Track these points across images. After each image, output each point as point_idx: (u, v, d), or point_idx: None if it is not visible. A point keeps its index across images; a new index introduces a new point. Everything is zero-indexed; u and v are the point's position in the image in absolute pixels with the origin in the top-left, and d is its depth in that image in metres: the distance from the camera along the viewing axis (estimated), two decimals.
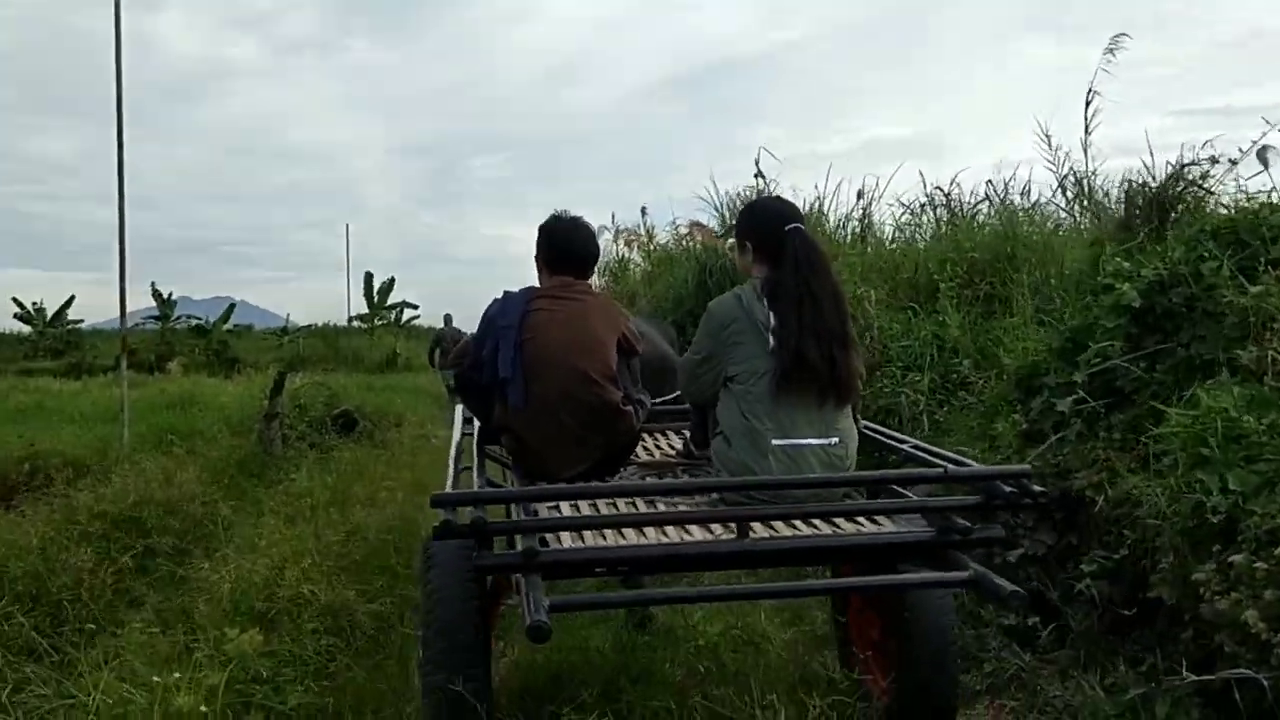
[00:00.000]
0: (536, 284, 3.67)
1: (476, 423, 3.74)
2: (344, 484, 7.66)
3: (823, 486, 2.93)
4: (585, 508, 2.95)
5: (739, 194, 8.84)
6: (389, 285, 35.25)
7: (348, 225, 31.64)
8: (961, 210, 7.51)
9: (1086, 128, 7.01)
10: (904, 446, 3.33)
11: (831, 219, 9.28)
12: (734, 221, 3.76)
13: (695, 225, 9.19)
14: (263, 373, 24.18)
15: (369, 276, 34.86)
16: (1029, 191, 7.07)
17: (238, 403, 12.54)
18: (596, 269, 13.80)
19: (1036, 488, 2.71)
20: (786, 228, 3.16)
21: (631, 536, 2.76)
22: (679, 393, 4.12)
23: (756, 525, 2.80)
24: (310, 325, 37.38)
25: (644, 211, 13.08)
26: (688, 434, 3.86)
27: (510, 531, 2.70)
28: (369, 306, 34.90)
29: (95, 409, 13.40)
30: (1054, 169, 7.28)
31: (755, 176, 8.56)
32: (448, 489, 2.94)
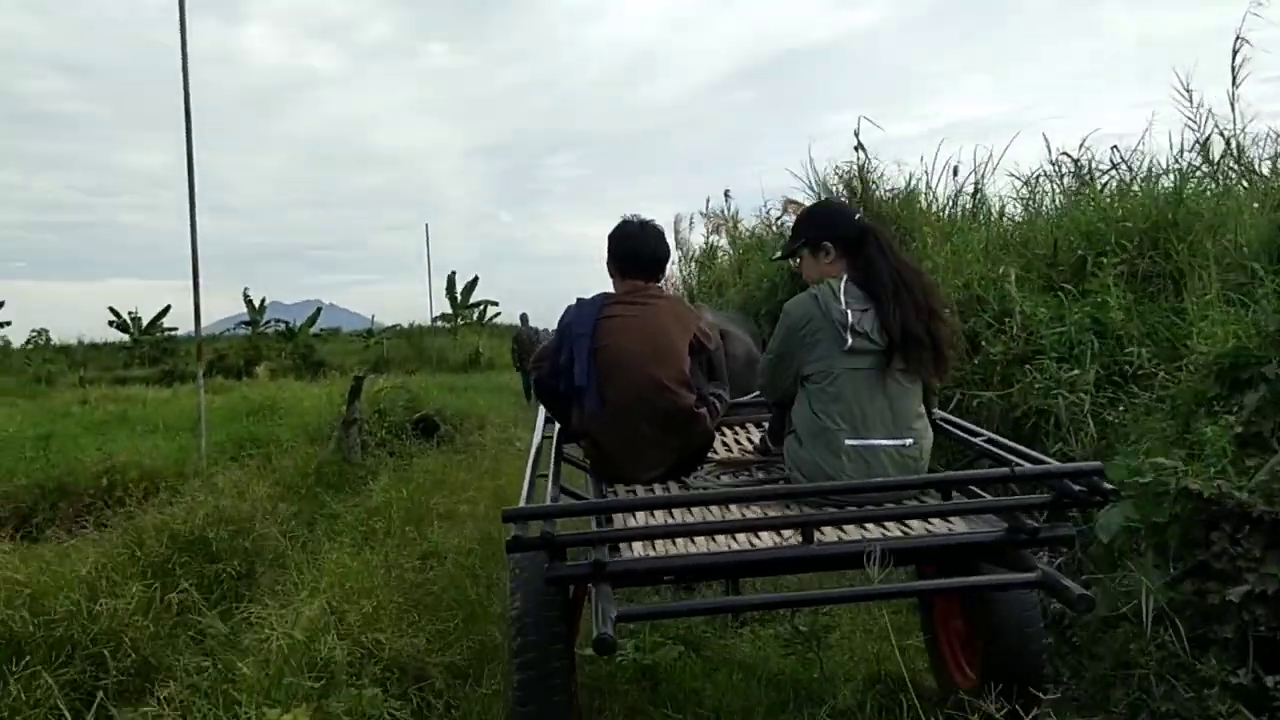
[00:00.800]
0: (610, 289, 3.71)
1: (557, 424, 3.81)
2: (422, 496, 7.15)
3: (892, 490, 2.99)
4: (660, 514, 3.01)
5: (837, 168, 8.06)
6: (472, 284, 35.13)
7: (427, 225, 31.59)
8: (1091, 176, 6.62)
9: (1234, 78, 6.11)
10: (977, 441, 3.32)
11: (941, 195, 8.40)
12: (790, 236, 3.54)
13: (790, 204, 8.46)
14: (347, 375, 24.41)
15: (452, 276, 34.83)
16: (1180, 152, 6.15)
17: (320, 408, 12.22)
18: (686, 258, 13.41)
19: (1108, 485, 2.67)
20: (858, 218, 3.35)
21: (701, 544, 2.78)
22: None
23: (826, 528, 2.84)
24: (395, 326, 37.69)
25: (727, 195, 12.39)
26: (766, 426, 3.89)
27: (579, 544, 2.66)
28: (452, 306, 34.83)
29: (180, 418, 13.26)
30: (1195, 127, 6.41)
31: (855, 149, 7.78)
32: (523, 499, 3.05)
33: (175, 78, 9.35)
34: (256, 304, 34.03)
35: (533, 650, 2.77)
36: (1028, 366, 4.56)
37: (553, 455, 3.55)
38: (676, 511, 3.05)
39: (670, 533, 2.79)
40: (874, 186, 7.84)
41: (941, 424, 3.43)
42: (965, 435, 3.39)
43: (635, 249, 3.67)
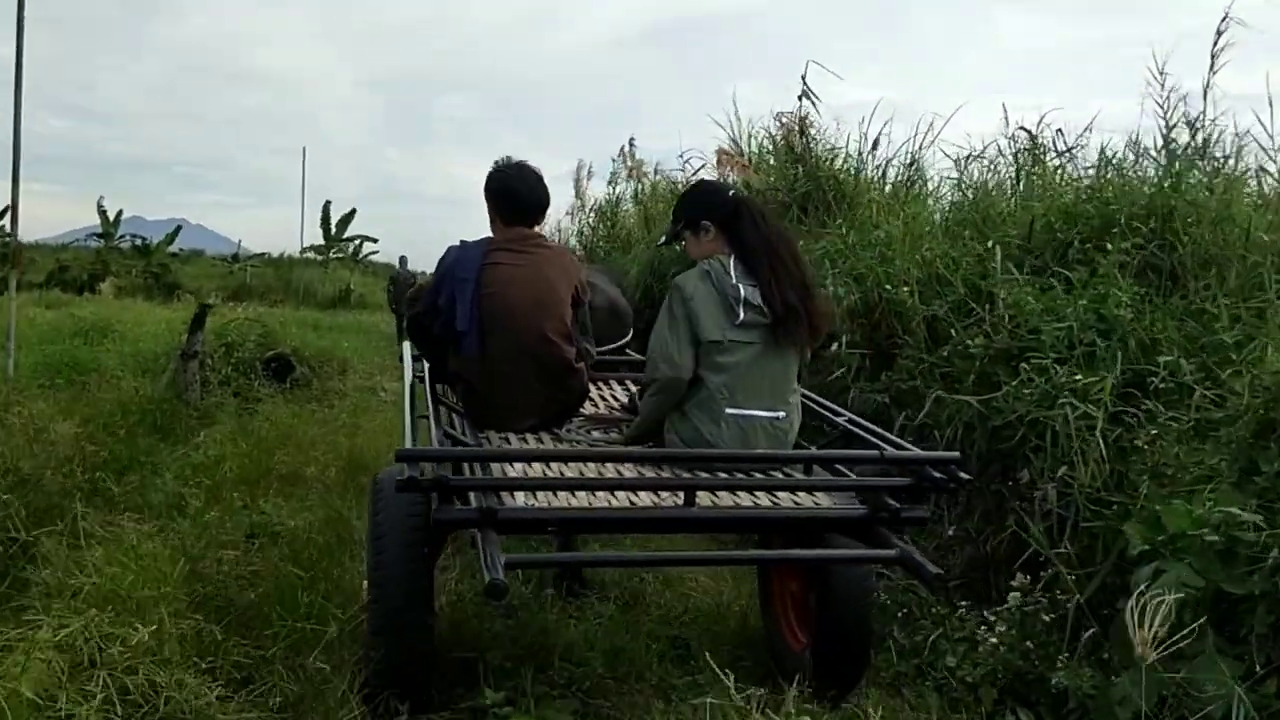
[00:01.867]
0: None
1: (426, 364, 3.83)
2: (261, 454, 6.01)
3: (769, 463, 3.16)
4: (540, 468, 3.05)
5: (778, 116, 7.13)
6: (349, 217, 33.09)
7: (304, 148, 29.38)
8: (1069, 154, 5.89)
9: (1213, 64, 5.47)
10: (840, 420, 3.46)
11: (870, 167, 7.52)
12: (671, 219, 3.62)
13: (723, 154, 7.53)
14: (201, 301, 22.56)
15: (327, 206, 32.66)
16: (1166, 139, 5.48)
17: (160, 334, 10.73)
18: (585, 209, 12.41)
19: (964, 475, 2.82)
20: (732, 194, 3.52)
21: (583, 499, 2.85)
22: (626, 340, 4.77)
23: (702, 494, 2.90)
24: (264, 254, 35.42)
25: (632, 143, 11.26)
26: (634, 388, 4.05)
27: (472, 489, 2.71)
28: (325, 238, 32.76)
29: (35, 328, 11.46)
30: (1163, 115, 5.77)
31: (801, 97, 6.86)
32: (406, 440, 3.11)
33: None
34: (111, 216, 31.38)
35: (397, 600, 2.81)
36: (1014, 365, 3.77)
37: (428, 398, 3.55)
38: (555, 466, 3.07)
39: (563, 485, 2.91)
40: (814, 141, 6.96)
41: (807, 402, 3.52)
42: (829, 414, 3.52)
43: (515, 193, 3.64)
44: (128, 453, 6.48)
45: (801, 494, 3.03)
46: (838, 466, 3.13)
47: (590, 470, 3.05)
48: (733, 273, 3.20)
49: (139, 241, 30.67)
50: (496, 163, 3.73)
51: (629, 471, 3.03)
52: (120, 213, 31.74)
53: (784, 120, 6.99)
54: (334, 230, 32.76)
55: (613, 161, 11.16)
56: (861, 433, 3.27)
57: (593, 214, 11.85)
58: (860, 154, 7.07)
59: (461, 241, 3.59)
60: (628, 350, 4.79)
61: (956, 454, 3.03)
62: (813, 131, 6.97)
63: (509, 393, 3.45)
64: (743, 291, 3.16)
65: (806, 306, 3.19)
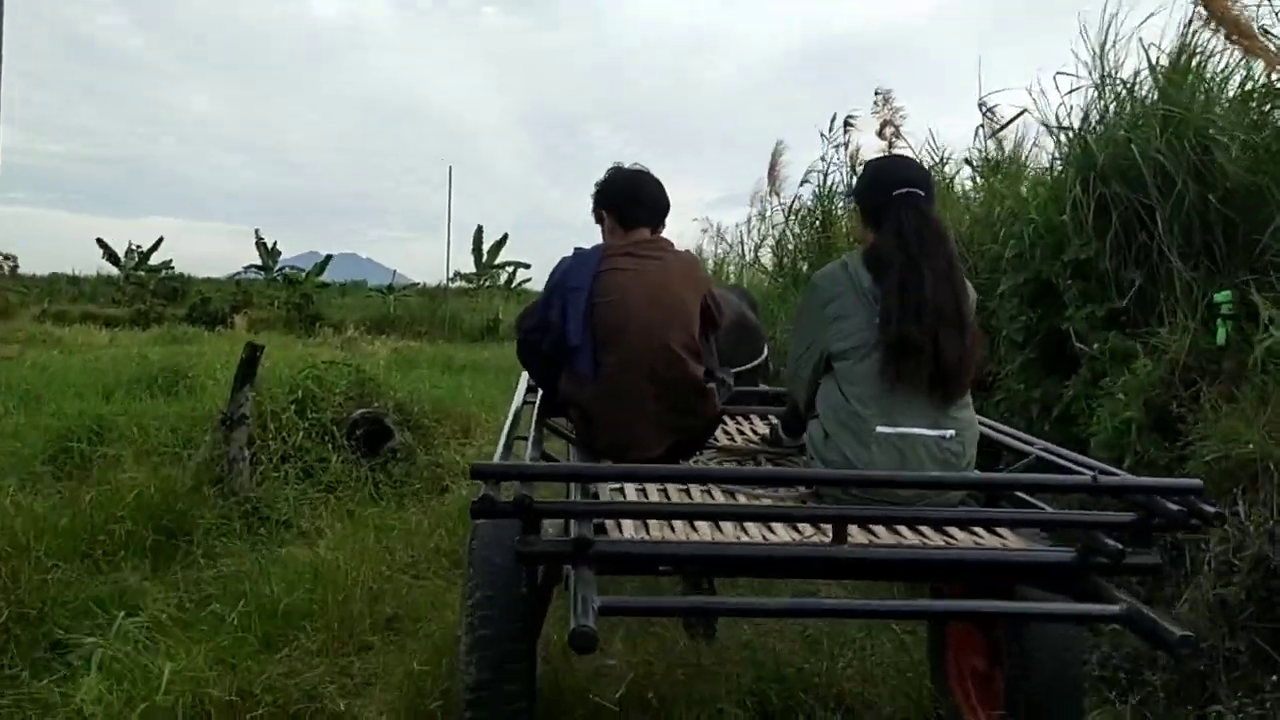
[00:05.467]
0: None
1: (541, 393, 3.39)
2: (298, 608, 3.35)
3: (936, 487, 2.56)
4: (654, 493, 2.69)
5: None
6: (500, 243, 31.14)
7: (450, 167, 27.31)
8: None
9: None
10: (1033, 450, 2.87)
11: None
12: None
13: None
14: (342, 333, 20.73)
15: (478, 231, 30.82)
16: None
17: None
18: (790, 212, 9.53)
19: (1209, 507, 2.20)
20: (895, 191, 2.80)
21: (705, 531, 2.42)
22: (759, 361, 4.30)
23: (853, 529, 2.43)
24: (418, 284, 34.04)
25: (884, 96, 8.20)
26: (774, 420, 3.52)
27: (562, 514, 2.36)
28: (476, 265, 30.94)
29: (91, 374, 9.32)
30: None
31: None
32: (497, 460, 2.62)
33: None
34: (269, 246, 30.52)
35: (493, 645, 2.39)
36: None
37: (533, 420, 3.08)
38: (673, 491, 2.69)
39: (672, 513, 2.41)
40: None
41: (985, 430, 2.91)
42: (1019, 444, 2.95)
43: (636, 189, 3.28)
44: (108, 590, 4.04)
45: (981, 532, 2.49)
46: (1028, 498, 2.60)
47: (719, 499, 2.66)
48: (862, 266, 2.74)
49: (290, 272, 29.70)
50: (608, 170, 3.39)
51: (765, 500, 2.64)
52: (274, 243, 30.93)
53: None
54: (485, 257, 30.96)
55: (823, 137, 8.16)
56: (1064, 462, 2.66)
57: (794, 218, 8.83)
58: None
59: (575, 249, 3.19)
60: (759, 379, 4.33)
61: (1197, 481, 2.28)
62: None
63: (628, 417, 3.01)
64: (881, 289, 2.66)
65: (941, 342, 2.58)
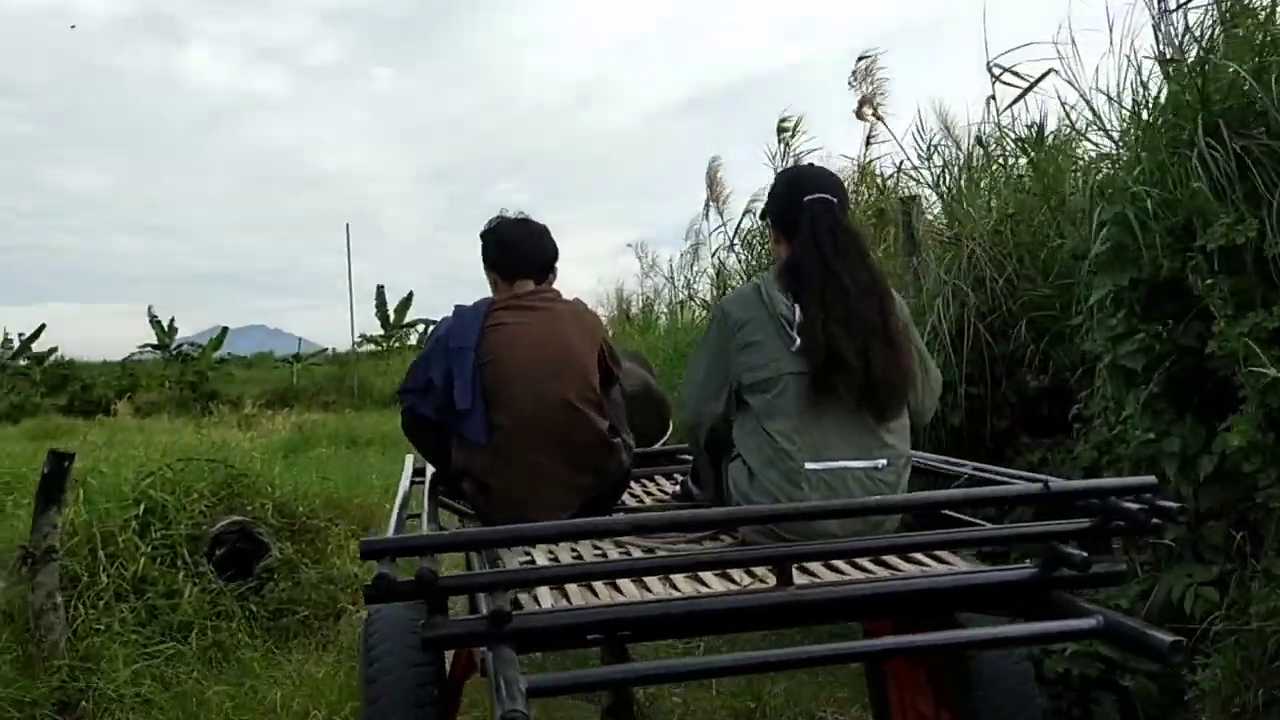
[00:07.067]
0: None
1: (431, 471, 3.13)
2: None
3: (881, 512, 2.37)
4: (566, 555, 2.46)
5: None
6: (406, 302, 29.59)
7: (347, 225, 25.76)
8: None
9: None
10: (964, 470, 2.76)
11: None
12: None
13: None
14: (239, 411, 19.00)
15: (380, 291, 29.24)
16: None
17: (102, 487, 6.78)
18: (733, 235, 8.53)
19: (1170, 504, 1.99)
20: (806, 198, 2.62)
21: (632, 591, 2.16)
22: (664, 437, 4.03)
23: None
24: (325, 350, 32.26)
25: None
26: (681, 477, 3.39)
27: (474, 588, 2.02)
28: (383, 326, 29.34)
29: None
30: None
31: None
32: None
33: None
34: (165, 324, 28.43)
35: None
36: None
37: (425, 495, 2.95)
38: (586, 552, 2.46)
39: (602, 572, 2.12)
40: None
41: (916, 460, 2.73)
42: (951, 467, 2.82)
43: (517, 241, 3.07)
44: None
45: (928, 559, 2.29)
46: (969, 518, 2.44)
47: (638, 555, 2.39)
48: (776, 287, 2.57)
49: (185, 349, 27.75)
50: (488, 221, 3.15)
51: (683, 549, 2.45)
52: (171, 320, 28.84)
53: None
54: (393, 318, 29.39)
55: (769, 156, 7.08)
56: (996, 478, 2.55)
57: (738, 238, 7.77)
58: None
59: (456, 307, 2.95)
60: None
61: (1152, 479, 2.13)
62: None
63: (528, 482, 2.76)
64: (797, 313, 2.49)
65: (870, 356, 2.43)
